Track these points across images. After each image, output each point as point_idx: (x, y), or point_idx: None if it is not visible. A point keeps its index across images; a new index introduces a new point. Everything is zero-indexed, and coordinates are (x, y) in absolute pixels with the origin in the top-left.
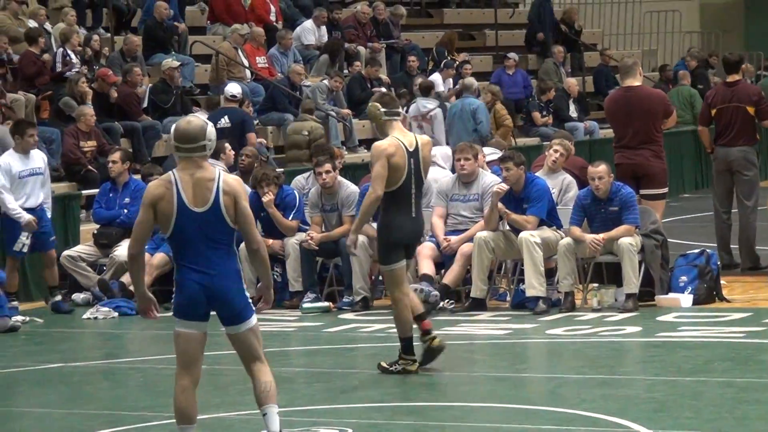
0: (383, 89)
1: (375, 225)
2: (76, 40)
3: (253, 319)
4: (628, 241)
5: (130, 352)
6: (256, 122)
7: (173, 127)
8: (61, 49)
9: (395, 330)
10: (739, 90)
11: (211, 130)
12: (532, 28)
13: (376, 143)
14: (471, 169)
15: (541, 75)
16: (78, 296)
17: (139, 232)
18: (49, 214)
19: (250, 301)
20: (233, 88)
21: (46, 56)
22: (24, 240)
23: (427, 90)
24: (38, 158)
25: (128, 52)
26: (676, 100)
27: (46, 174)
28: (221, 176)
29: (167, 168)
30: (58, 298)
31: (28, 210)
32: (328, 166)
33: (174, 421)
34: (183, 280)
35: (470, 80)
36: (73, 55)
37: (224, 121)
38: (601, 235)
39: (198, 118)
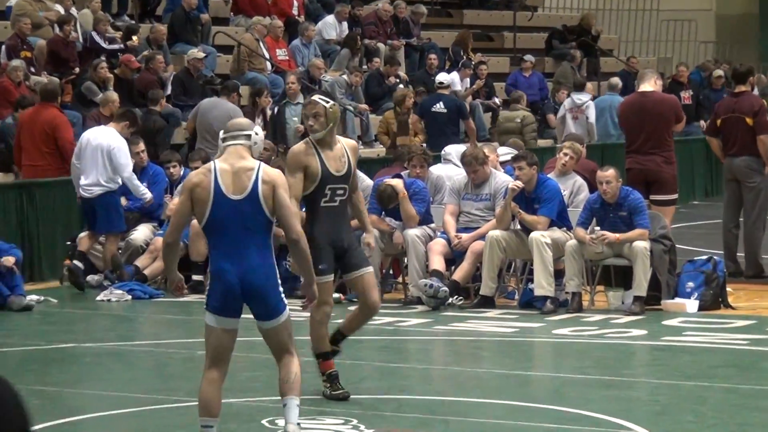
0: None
1: (388, 220)
2: (105, 26)
3: (286, 313)
4: (642, 245)
5: (143, 335)
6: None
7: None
8: (93, 33)
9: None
10: (742, 101)
11: (258, 129)
12: None
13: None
14: (482, 177)
15: (557, 78)
16: (92, 278)
17: (177, 220)
18: None
19: (283, 296)
20: (442, 77)
21: (73, 37)
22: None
23: (581, 86)
24: None
25: (154, 40)
26: None
27: None
28: (261, 166)
29: (184, 155)
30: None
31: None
32: None
33: (184, 404)
34: (219, 271)
35: (615, 80)
36: (101, 41)
37: (439, 107)
38: (617, 236)
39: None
